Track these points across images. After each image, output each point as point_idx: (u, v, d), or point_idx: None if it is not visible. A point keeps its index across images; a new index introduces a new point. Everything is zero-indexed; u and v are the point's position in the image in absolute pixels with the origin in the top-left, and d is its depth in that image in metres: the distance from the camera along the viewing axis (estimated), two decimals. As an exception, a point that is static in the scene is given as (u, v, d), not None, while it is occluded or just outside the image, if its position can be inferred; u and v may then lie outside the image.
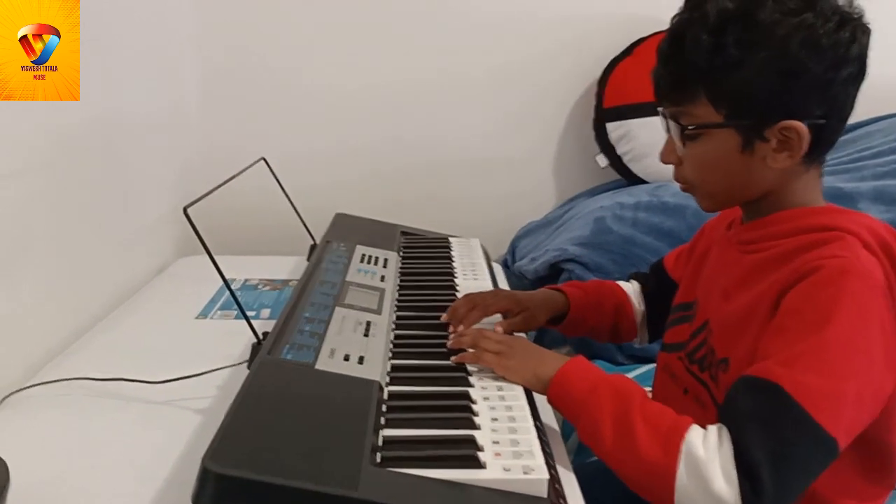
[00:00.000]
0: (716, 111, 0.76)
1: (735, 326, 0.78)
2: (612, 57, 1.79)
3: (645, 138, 1.74)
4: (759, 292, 0.75)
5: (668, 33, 0.79)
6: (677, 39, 0.77)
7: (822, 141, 0.76)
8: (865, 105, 0.82)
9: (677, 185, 1.81)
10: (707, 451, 0.66)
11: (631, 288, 1.09)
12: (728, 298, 0.81)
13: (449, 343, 0.90)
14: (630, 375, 0.92)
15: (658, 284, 1.05)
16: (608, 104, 1.78)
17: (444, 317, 0.98)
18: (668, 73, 0.79)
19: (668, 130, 0.81)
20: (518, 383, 0.82)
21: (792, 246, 0.76)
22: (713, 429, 0.69)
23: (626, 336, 1.08)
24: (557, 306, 1.03)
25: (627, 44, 1.78)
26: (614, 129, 1.78)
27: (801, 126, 0.73)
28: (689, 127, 0.77)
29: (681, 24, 0.78)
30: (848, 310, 0.68)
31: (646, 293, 1.08)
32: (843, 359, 0.68)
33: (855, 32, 0.73)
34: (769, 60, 0.72)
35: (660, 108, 0.82)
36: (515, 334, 0.97)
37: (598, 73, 1.80)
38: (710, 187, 0.82)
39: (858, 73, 0.75)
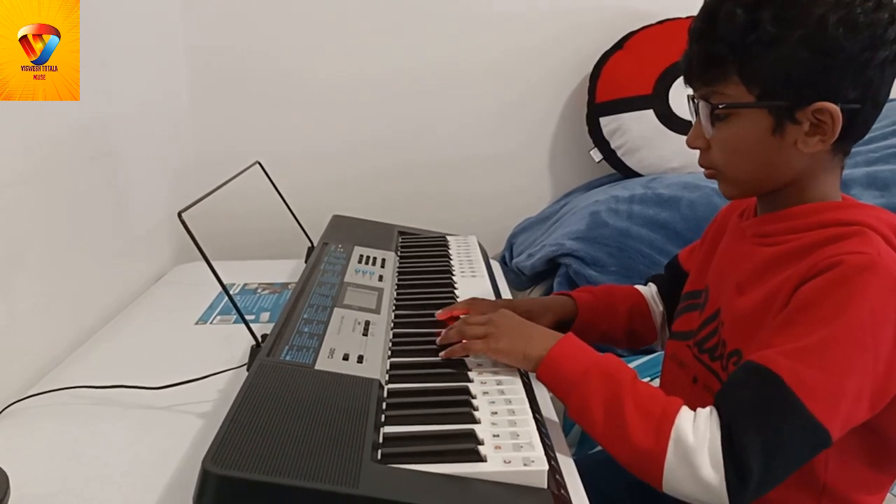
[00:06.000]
0: (748, 91, 0.74)
1: (749, 320, 0.77)
2: (603, 51, 1.79)
3: (638, 132, 1.75)
4: (774, 286, 0.75)
5: (701, 10, 0.77)
6: (711, 16, 0.75)
7: (855, 127, 0.75)
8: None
9: (671, 178, 1.81)
10: (696, 437, 0.67)
11: (648, 290, 1.07)
12: (742, 292, 0.80)
13: (438, 340, 0.89)
14: (632, 365, 0.92)
15: (673, 280, 1.03)
16: (601, 99, 1.78)
17: (438, 313, 0.98)
18: (700, 50, 0.76)
19: (696, 114, 0.80)
20: (509, 364, 0.82)
21: (811, 240, 0.74)
22: (703, 413, 0.69)
23: (645, 339, 1.06)
24: (565, 311, 1.02)
25: (618, 37, 1.78)
26: (607, 123, 1.78)
27: (834, 109, 0.71)
28: (720, 106, 0.76)
29: (715, 0, 0.76)
30: (860, 307, 0.67)
31: (662, 293, 1.06)
32: (847, 355, 0.67)
33: (894, 14, 0.71)
34: (805, 39, 0.70)
35: (689, 93, 0.80)
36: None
37: (589, 67, 1.80)
38: (738, 172, 0.79)
39: (895, 57, 0.73)
